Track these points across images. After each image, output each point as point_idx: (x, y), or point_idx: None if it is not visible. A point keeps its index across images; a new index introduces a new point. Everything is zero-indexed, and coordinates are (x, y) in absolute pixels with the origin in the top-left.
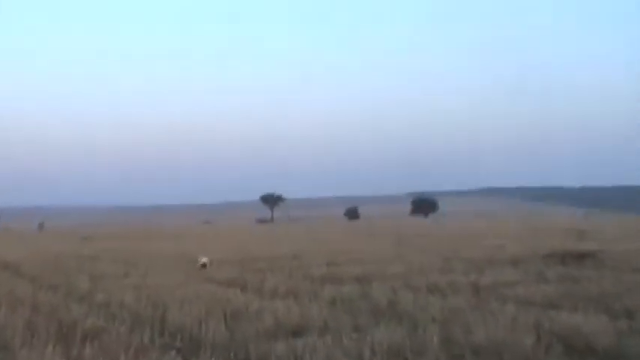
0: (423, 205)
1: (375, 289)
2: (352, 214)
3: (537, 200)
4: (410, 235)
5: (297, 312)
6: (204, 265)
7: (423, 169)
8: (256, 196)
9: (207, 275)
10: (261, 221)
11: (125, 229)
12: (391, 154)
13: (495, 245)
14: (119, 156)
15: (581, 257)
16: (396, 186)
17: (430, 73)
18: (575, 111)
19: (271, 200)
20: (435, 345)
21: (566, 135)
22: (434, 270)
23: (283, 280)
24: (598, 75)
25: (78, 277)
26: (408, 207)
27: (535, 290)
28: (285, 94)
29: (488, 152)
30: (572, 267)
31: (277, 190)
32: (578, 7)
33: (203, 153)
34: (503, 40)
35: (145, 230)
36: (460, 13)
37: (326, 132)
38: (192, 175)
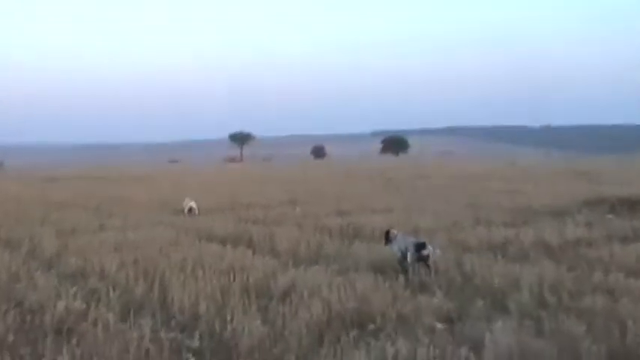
0: (394, 143)
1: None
2: (319, 152)
3: (498, 140)
4: (400, 178)
5: (340, 285)
6: (190, 211)
7: (385, 107)
8: (218, 135)
9: (200, 227)
10: (232, 160)
11: (91, 169)
12: (354, 93)
13: (512, 191)
14: (80, 94)
15: (631, 205)
16: (359, 125)
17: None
18: (534, 51)
19: (240, 138)
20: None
21: (524, 75)
22: (469, 222)
23: (297, 235)
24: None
25: (43, 232)
26: (373, 145)
27: (622, 250)
28: (254, 35)
29: (449, 91)
30: (631, 217)
31: (243, 128)
32: None
33: (164, 92)
34: None
35: (112, 170)
36: None
37: (285, 72)
38: (153, 114)
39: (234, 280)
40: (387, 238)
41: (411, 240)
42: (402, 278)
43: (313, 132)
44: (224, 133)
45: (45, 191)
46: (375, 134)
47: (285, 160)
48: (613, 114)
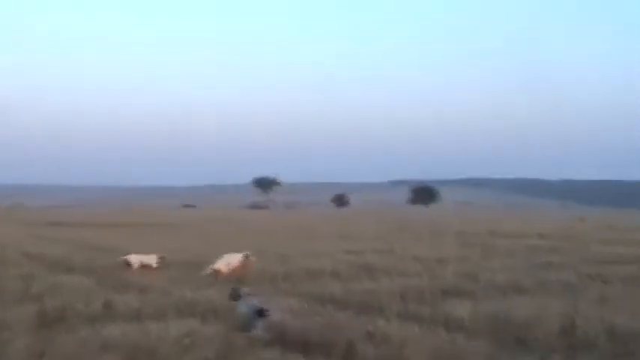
0: (424, 194)
1: None
2: (341, 201)
3: (518, 192)
4: (472, 233)
5: None
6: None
7: (403, 157)
8: (232, 180)
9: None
10: (256, 207)
11: (102, 212)
12: (372, 141)
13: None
14: (98, 136)
15: None
16: (375, 173)
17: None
18: (556, 106)
19: (265, 184)
20: None
21: (545, 128)
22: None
23: (426, 336)
24: (583, 68)
25: (17, 317)
26: (394, 194)
27: None
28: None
29: (472, 143)
30: None
31: (265, 174)
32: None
33: (178, 136)
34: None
35: (124, 214)
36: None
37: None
38: (167, 157)
39: None
40: (236, 295)
41: (254, 303)
42: None
43: (330, 179)
44: (240, 179)
45: (41, 240)
46: (393, 183)
47: (308, 208)
48: (634, 169)
